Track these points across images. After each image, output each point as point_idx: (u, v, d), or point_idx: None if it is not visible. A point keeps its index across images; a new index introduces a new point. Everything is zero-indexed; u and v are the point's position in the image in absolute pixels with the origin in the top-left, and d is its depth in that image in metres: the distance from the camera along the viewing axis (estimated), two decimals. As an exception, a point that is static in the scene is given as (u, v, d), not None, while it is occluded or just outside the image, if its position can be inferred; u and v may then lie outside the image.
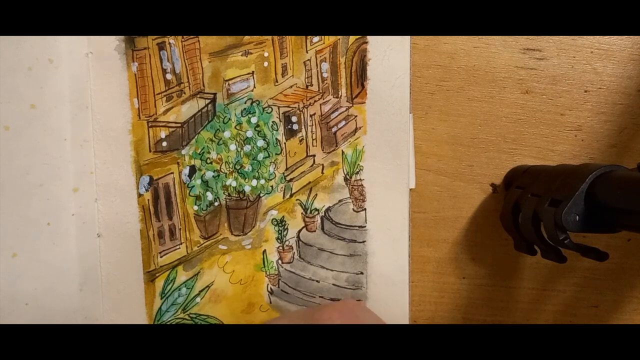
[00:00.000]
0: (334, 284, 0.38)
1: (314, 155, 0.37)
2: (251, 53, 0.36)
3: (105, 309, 0.36)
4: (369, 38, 0.37)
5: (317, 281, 0.38)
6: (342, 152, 0.38)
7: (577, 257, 0.33)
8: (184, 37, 0.35)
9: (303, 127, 0.37)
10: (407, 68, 0.37)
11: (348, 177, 0.38)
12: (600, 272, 0.41)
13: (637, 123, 0.40)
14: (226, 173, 0.37)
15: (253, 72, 0.36)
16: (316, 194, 0.38)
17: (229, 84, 0.36)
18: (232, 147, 0.37)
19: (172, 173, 0.36)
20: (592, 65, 0.39)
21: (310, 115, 0.37)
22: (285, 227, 0.38)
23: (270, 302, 0.38)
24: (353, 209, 0.38)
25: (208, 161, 0.36)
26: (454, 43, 0.38)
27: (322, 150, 0.37)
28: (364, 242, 0.38)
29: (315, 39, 0.37)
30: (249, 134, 0.37)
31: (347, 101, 0.37)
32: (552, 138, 0.39)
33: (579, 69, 0.39)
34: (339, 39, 0.37)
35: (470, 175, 0.39)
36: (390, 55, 0.37)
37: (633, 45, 0.39)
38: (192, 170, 0.37)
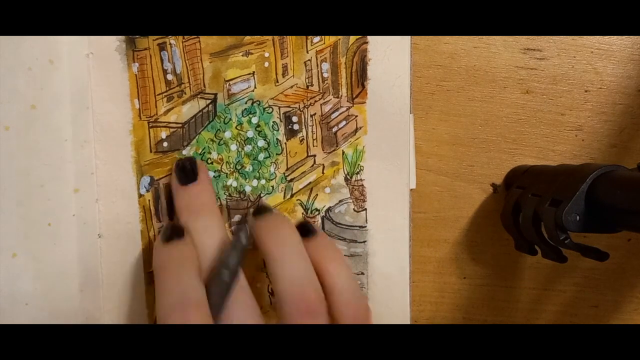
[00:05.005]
0: (334, 284, 0.38)
1: (314, 156, 0.37)
2: (252, 53, 0.36)
3: (105, 309, 0.36)
4: (369, 38, 0.36)
5: (317, 281, 0.38)
6: (343, 152, 0.37)
7: (577, 257, 0.33)
8: (185, 37, 0.35)
9: (303, 127, 0.37)
10: (407, 68, 0.37)
11: (348, 177, 0.38)
12: (600, 272, 0.41)
13: (637, 123, 0.40)
14: (227, 173, 0.37)
15: (254, 72, 0.36)
16: (317, 194, 0.38)
17: (229, 84, 0.36)
18: (233, 147, 0.37)
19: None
20: (593, 65, 0.39)
21: (311, 115, 0.37)
22: (286, 227, 0.38)
23: (271, 303, 0.38)
24: (353, 209, 0.38)
25: (209, 161, 0.36)
26: (454, 43, 0.38)
27: (323, 150, 0.37)
28: (364, 242, 0.38)
29: (316, 39, 0.37)
30: (250, 134, 0.37)
31: (347, 101, 0.37)
32: (552, 138, 0.39)
33: (579, 69, 0.39)
34: (340, 39, 0.37)
35: (470, 175, 0.39)
36: (390, 55, 0.37)
37: (633, 45, 0.39)
38: (193, 170, 0.36)
